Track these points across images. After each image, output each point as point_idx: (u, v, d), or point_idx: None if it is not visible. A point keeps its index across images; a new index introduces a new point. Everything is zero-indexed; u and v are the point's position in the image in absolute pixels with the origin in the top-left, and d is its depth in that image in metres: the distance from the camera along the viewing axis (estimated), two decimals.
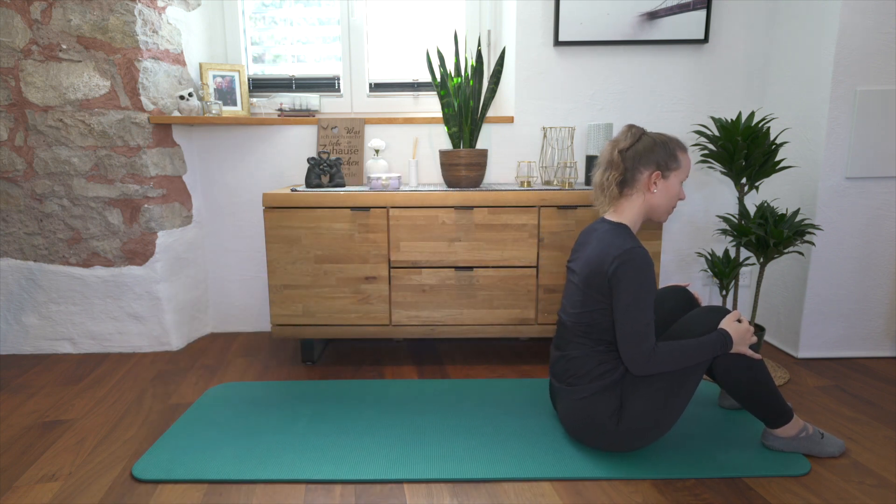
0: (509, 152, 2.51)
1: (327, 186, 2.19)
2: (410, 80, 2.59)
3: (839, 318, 2.22)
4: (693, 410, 1.80)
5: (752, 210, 2.56)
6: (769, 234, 1.92)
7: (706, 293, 2.65)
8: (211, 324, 2.65)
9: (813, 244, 1.99)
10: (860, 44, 2.02)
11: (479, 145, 2.49)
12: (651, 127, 2.49)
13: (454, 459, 1.52)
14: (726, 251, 2.08)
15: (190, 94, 2.29)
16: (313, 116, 2.52)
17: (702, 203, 2.55)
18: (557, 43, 2.37)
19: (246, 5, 2.53)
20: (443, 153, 2.19)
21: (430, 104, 2.61)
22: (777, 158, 2.26)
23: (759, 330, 2.06)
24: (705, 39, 2.37)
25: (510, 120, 2.46)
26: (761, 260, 2.00)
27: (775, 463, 1.49)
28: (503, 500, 1.37)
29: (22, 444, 1.64)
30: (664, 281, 2.63)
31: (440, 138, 2.52)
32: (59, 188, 2.25)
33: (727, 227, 2.14)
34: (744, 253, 2.62)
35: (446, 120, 2.19)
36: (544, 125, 2.48)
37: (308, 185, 2.17)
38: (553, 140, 2.41)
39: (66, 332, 2.35)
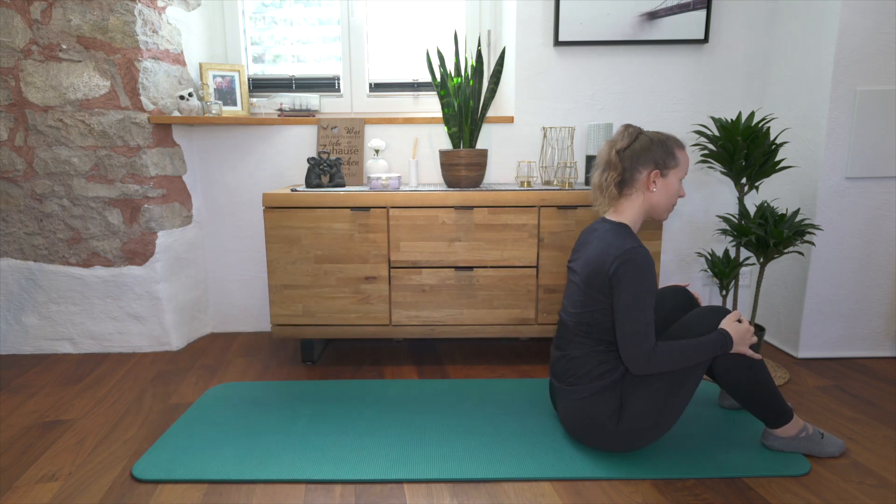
0: (509, 152, 2.51)
1: (327, 186, 2.19)
2: (410, 80, 2.59)
3: (839, 318, 2.22)
4: (693, 410, 1.80)
5: (752, 210, 2.56)
6: (769, 234, 1.92)
7: (706, 293, 2.65)
8: (211, 324, 2.65)
9: (813, 244, 1.99)
10: (860, 44, 2.02)
11: (479, 145, 2.49)
12: (651, 127, 2.49)
13: (454, 459, 1.52)
14: (726, 251, 2.08)
15: (190, 94, 2.29)
16: (313, 116, 2.52)
17: (702, 203, 2.55)
18: (557, 43, 2.37)
19: (246, 5, 2.53)
20: (443, 153, 2.19)
21: (430, 104, 2.61)
22: (777, 158, 2.26)
23: (759, 330, 2.06)
24: (705, 39, 2.37)
25: (510, 120, 2.46)
26: (761, 260, 2.00)
27: (775, 463, 1.49)
28: (503, 500, 1.37)
29: (22, 444, 1.64)
30: (664, 281, 2.63)
31: (440, 138, 2.52)
32: (59, 188, 2.25)
33: (727, 227, 2.14)
34: (744, 253, 2.62)
35: (446, 120, 2.19)
36: (544, 125, 2.48)
37: (308, 185, 2.17)
38: (553, 140, 2.41)
39: (66, 332, 2.35)
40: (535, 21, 2.38)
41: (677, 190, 1.55)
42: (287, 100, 2.51)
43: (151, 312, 2.35)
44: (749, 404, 1.49)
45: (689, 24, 2.35)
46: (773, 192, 2.38)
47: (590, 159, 2.24)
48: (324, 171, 2.18)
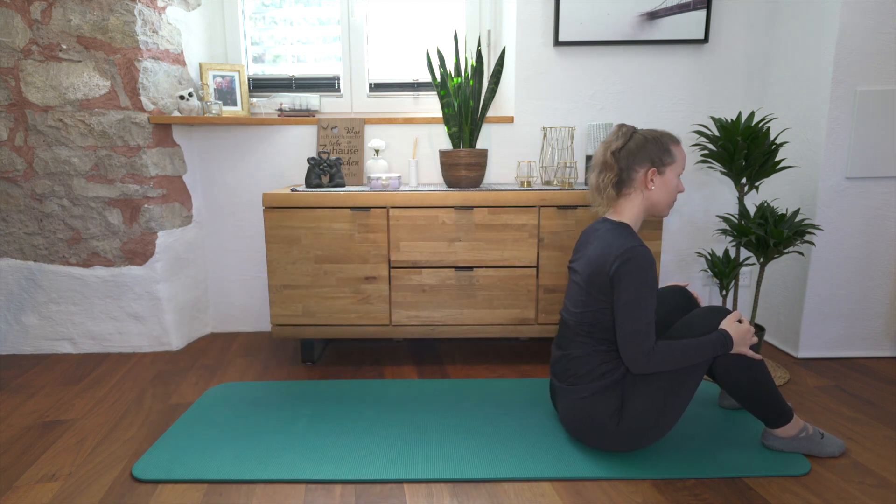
0: (509, 152, 2.51)
1: (327, 186, 2.19)
2: (410, 80, 2.59)
3: (839, 318, 2.22)
4: (693, 410, 1.80)
5: (752, 210, 2.56)
6: (769, 234, 1.92)
7: (706, 293, 2.65)
8: (211, 324, 2.65)
9: (813, 244, 1.99)
10: (860, 44, 2.02)
11: (479, 145, 2.49)
12: (651, 127, 2.49)
13: (454, 459, 1.52)
14: (726, 251, 2.08)
15: (190, 94, 2.29)
16: (313, 116, 2.52)
17: (702, 203, 2.55)
18: (557, 43, 2.37)
19: (246, 5, 2.53)
20: (443, 153, 2.19)
21: (430, 104, 2.61)
22: (777, 158, 2.26)
23: (759, 330, 2.06)
24: (705, 39, 2.37)
25: (510, 120, 2.46)
26: (761, 260, 2.00)
27: (775, 463, 1.49)
28: (503, 500, 1.37)
29: (22, 444, 1.64)
30: (664, 281, 2.63)
31: (440, 138, 2.52)
32: (59, 188, 2.25)
33: (727, 227, 2.14)
34: (744, 253, 2.62)
35: (446, 120, 2.19)
36: (544, 125, 2.48)
37: (308, 185, 2.17)
38: (553, 140, 2.41)
39: (66, 332, 2.35)
40: (535, 21, 2.38)
41: (676, 186, 1.55)
42: (287, 100, 2.51)
43: (151, 312, 2.35)
44: (749, 404, 1.49)
45: (689, 24, 2.35)
46: (773, 192, 2.38)
47: (590, 159, 2.24)
48: (324, 171, 2.18)
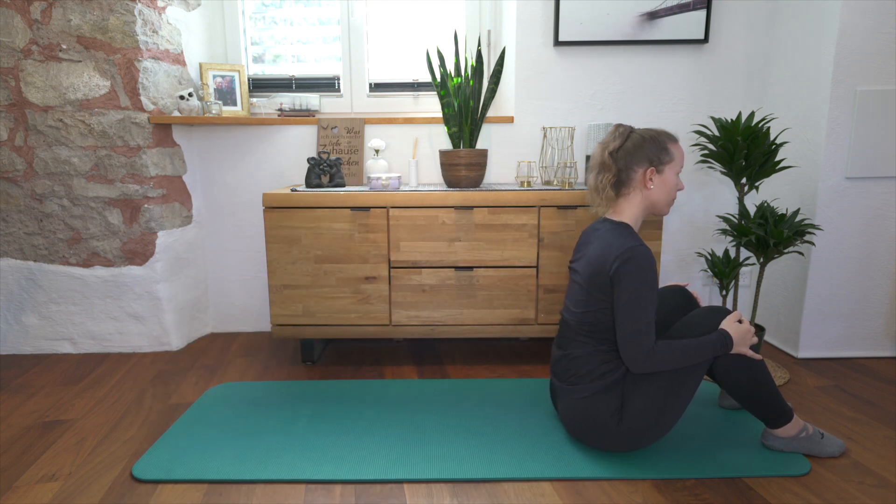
0: (509, 152, 2.51)
1: (327, 186, 2.19)
2: (410, 80, 2.59)
3: (839, 318, 2.22)
4: (693, 410, 1.80)
5: (752, 210, 2.56)
6: (769, 234, 1.92)
7: (706, 293, 2.65)
8: (211, 324, 2.65)
9: (813, 244, 1.99)
10: (860, 44, 2.02)
11: (479, 145, 2.49)
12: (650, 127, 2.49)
13: (454, 459, 1.52)
14: (726, 251, 2.08)
15: (190, 94, 2.29)
16: (313, 116, 2.52)
17: (702, 203, 2.55)
18: (557, 43, 2.37)
19: (246, 5, 2.53)
20: (443, 153, 2.19)
21: (430, 104, 2.61)
22: (777, 158, 2.26)
23: (759, 330, 2.06)
24: (705, 39, 2.37)
25: (510, 120, 2.46)
26: (761, 260, 2.00)
27: (775, 463, 1.49)
28: (503, 500, 1.37)
29: (22, 444, 1.64)
30: (664, 281, 2.63)
31: (440, 138, 2.52)
32: (59, 188, 2.25)
33: (727, 227, 2.14)
34: (744, 253, 2.62)
35: (446, 120, 2.19)
36: (544, 125, 2.48)
37: (308, 185, 2.17)
38: (553, 140, 2.41)
39: (66, 332, 2.35)
40: (535, 21, 2.38)
41: (675, 184, 1.55)
42: (287, 100, 2.51)
43: (151, 312, 2.35)
44: (749, 404, 1.49)
45: (689, 24, 2.35)
46: (773, 192, 2.38)
47: (590, 159, 2.24)
48: (324, 171, 2.18)
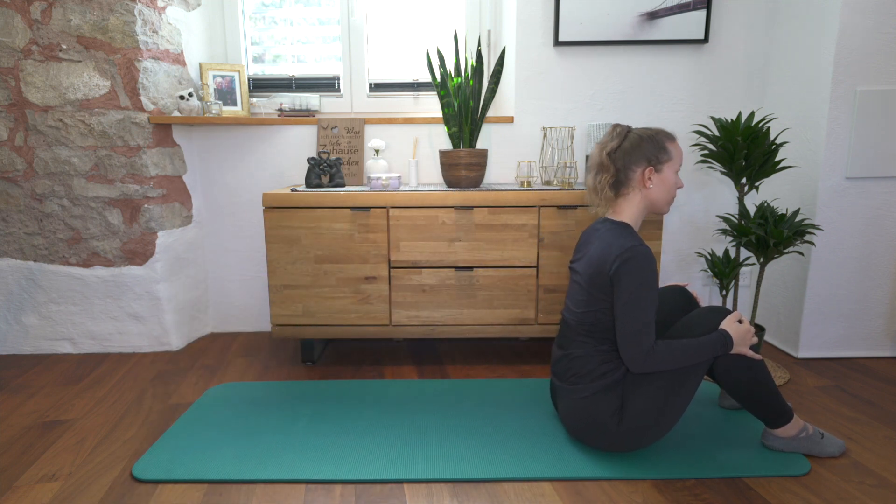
0: (509, 152, 2.51)
1: (327, 186, 2.19)
2: (410, 80, 2.59)
3: (839, 318, 2.22)
4: (693, 410, 1.80)
5: (752, 210, 2.56)
6: (769, 234, 1.92)
7: (706, 293, 2.65)
8: (211, 324, 2.65)
9: (813, 244, 1.99)
10: (860, 44, 2.02)
11: (479, 145, 2.49)
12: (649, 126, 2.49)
13: (454, 459, 1.52)
14: (726, 251, 2.08)
15: (190, 94, 2.29)
16: (313, 116, 2.52)
17: (702, 203, 2.55)
18: (557, 43, 2.37)
19: (246, 5, 2.53)
20: (443, 153, 2.19)
21: (430, 104, 2.61)
22: (777, 158, 2.26)
23: (759, 330, 2.06)
24: (705, 39, 2.37)
25: (510, 120, 2.46)
26: (761, 260, 2.00)
27: (775, 463, 1.49)
28: (503, 500, 1.37)
29: (22, 444, 1.64)
30: (664, 281, 2.63)
31: (440, 138, 2.52)
32: (59, 188, 2.25)
33: (727, 227, 2.14)
34: (744, 253, 2.62)
35: (446, 120, 2.19)
36: (544, 125, 2.48)
37: (308, 185, 2.17)
38: (553, 140, 2.41)
39: (66, 332, 2.35)
40: (535, 21, 2.38)
41: (675, 182, 1.55)
42: (287, 100, 2.51)
43: (151, 312, 2.35)
44: (749, 404, 1.49)
45: (689, 24, 2.35)
46: (773, 192, 2.38)
47: (588, 160, 2.24)
48: (324, 171, 2.18)
